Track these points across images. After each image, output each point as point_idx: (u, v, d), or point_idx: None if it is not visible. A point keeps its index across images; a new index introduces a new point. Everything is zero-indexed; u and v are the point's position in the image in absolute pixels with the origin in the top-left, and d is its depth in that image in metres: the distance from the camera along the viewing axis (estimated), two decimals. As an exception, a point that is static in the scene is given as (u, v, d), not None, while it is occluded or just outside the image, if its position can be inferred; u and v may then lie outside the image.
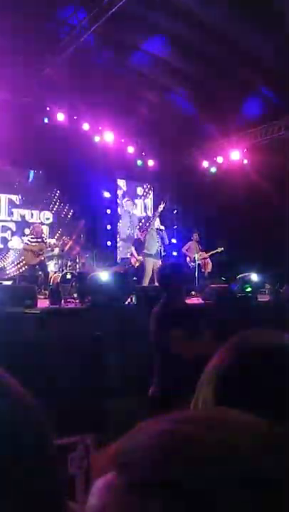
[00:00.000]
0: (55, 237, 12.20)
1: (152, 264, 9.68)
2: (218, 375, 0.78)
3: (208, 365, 0.83)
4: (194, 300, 8.00)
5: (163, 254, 10.48)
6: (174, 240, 12.79)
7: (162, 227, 10.34)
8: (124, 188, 14.98)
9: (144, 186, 15.35)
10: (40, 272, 10.35)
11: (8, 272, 12.13)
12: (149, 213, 15.47)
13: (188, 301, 3.69)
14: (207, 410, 0.41)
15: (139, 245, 11.01)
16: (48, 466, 0.50)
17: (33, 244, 10.36)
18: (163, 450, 0.38)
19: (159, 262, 9.67)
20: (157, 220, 10.50)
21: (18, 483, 0.45)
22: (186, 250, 11.99)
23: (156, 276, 3.51)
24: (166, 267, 3.61)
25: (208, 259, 11.85)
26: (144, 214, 15.32)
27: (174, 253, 13.55)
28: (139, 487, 0.37)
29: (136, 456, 0.40)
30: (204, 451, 0.38)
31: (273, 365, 0.76)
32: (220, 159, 13.35)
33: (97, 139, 12.96)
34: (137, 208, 15.20)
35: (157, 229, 10.18)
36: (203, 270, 11.71)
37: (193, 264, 11.24)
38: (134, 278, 10.53)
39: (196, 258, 11.54)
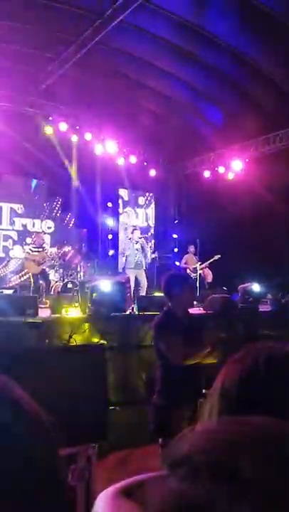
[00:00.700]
0: (57, 247, 12.21)
1: (134, 275, 10.19)
2: (225, 388, 0.78)
3: (220, 375, 0.82)
4: (196, 310, 7.97)
5: (148, 261, 10.91)
6: (177, 263, 13.08)
7: (141, 237, 10.85)
8: (126, 198, 15.03)
9: (146, 196, 15.39)
10: (41, 281, 10.34)
11: (9, 281, 12.12)
12: (150, 223, 15.52)
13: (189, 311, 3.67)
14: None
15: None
16: (57, 478, 0.50)
17: (35, 253, 10.37)
18: (229, 441, 0.39)
19: (142, 272, 10.17)
20: (137, 232, 10.95)
21: (30, 495, 0.45)
22: (185, 263, 12.03)
23: (162, 285, 3.50)
24: (172, 276, 3.60)
25: (208, 270, 11.86)
26: (145, 224, 15.36)
27: (177, 263, 13.56)
28: (208, 473, 0.36)
29: (201, 448, 0.39)
30: (274, 447, 0.38)
31: (286, 376, 0.76)
32: (221, 169, 13.38)
33: (99, 148, 13.03)
34: (138, 217, 15.24)
35: (137, 241, 10.62)
36: (204, 280, 11.73)
37: (194, 274, 11.24)
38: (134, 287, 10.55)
39: (197, 268, 11.56)
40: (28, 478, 0.46)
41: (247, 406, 0.76)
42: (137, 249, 10.45)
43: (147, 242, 14.84)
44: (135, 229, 11.46)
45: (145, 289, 10.18)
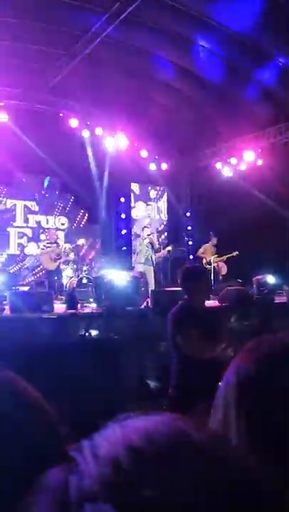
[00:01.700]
0: (70, 243, 12.27)
1: (143, 271, 10.29)
2: (240, 379, 0.77)
3: (230, 367, 0.82)
4: (210, 302, 7.95)
5: (159, 259, 10.99)
6: (191, 256, 13.10)
7: (150, 234, 10.90)
8: (138, 192, 15.02)
9: (157, 189, 15.36)
10: (56, 277, 10.41)
11: (24, 278, 12.23)
12: (163, 216, 15.50)
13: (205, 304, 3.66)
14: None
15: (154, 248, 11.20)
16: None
17: (50, 248, 10.44)
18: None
19: (150, 269, 10.27)
20: (147, 229, 11.03)
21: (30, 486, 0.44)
22: (202, 253, 11.92)
23: (178, 279, 3.49)
24: (189, 269, 3.59)
25: (223, 262, 11.79)
26: (157, 217, 15.34)
27: (191, 256, 13.52)
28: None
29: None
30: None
31: None
32: (234, 160, 13.27)
33: (110, 143, 13.02)
34: (150, 211, 15.23)
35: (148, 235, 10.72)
36: (218, 273, 11.67)
37: (209, 266, 11.18)
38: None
39: (212, 261, 11.49)
40: (32, 470, 0.45)
41: (266, 394, 0.75)
42: (147, 246, 10.50)
43: (160, 236, 14.86)
44: (145, 226, 11.58)
45: (153, 286, 10.19)
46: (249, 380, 0.76)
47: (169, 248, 11.72)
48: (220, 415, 0.77)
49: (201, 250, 12.02)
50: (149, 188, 15.16)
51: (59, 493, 0.35)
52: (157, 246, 10.85)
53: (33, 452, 0.48)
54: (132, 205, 14.82)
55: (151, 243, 10.59)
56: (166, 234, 15.37)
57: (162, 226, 15.41)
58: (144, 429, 0.38)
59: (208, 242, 12.00)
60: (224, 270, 11.82)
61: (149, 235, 10.85)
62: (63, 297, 9.06)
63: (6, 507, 0.44)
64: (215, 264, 11.55)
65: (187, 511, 0.32)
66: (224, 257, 11.57)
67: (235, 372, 0.78)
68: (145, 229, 11.21)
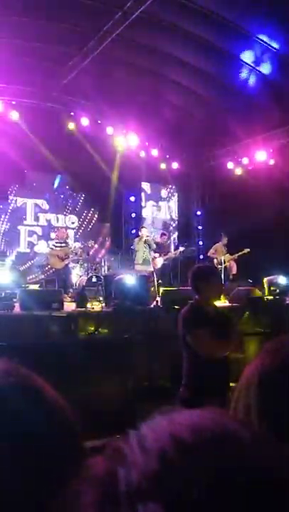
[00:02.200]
0: (80, 241, 12.29)
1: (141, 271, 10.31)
2: (263, 380, 0.76)
3: (250, 368, 0.80)
4: (221, 303, 7.91)
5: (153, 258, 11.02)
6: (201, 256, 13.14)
7: (149, 235, 11.07)
8: (149, 191, 15.00)
9: (168, 188, 15.33)
10: (64, 276, 10.42)
11: (34, 276, 12.27)
12: (174, 215, 15.48)
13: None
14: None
15: (160, 249, 11.27)
16: (80, 466, 0.49)
17: (58, 248, 10.46)
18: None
19: (149, 268, 10.31)
20: (145, 229, 11.10)
21: (50, 485, 0.45)
22: (213, 253, 11.86)
23: (189, 279, 3.47)
24: (200, 269, 3.56)
25: (233, 261, 11.72)
26: (168, 217, 15.31)
27: (202, 256, 13.47)
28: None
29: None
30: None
31: None
32: (245, 160, 13.20)
33: (121, 142, 13.01)
34: (160, 210, 15.21)
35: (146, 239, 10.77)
36: (229, 273, 11.60)
37: (220, 266, 11.13)
38: (160, 281, 10.54)
39: (223, 260, 11.42)
40: (51, 469, 0.46)
41: (263, 402, 0.74)
42: (144, 247, 10.53)
43: (171, 235, 14.85)
44: (143, 226, 11.63)
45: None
46: (273, 380, 0.75)
47: (181, 249, 11.71)
48: (240, 414, 0.76)
49: (212, 251, 11.96)
50: (161, 187, 15.14)
51: (107, 485, 0.34)
52: (154, 246, 10.88)
53: (53, 450, 0.48)
54: (143, 204, 14.81)
55: (148, 244, 10.61)
56: (176, 234, 15.34)
57: (173, 226, 15.38)
58: (190, 423, 0.38)
59: (218, 242, 11.94)
60: (234, 269, 11.75)
61: (148, 236, 10.89)
62: (72, 295, 9.08)
63: (30, 506, 0.44)
64: (227, 264, 11.48)
65: (233, 509, 0.32)
66: (235, 256, 11.49)
67: (258, 372, 0.77)
68: (143, 229, 11.26)
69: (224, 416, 0.40)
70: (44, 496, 0.43)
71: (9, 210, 12.57)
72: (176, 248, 12.39)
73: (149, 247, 10.63)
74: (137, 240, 10.97)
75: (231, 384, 3.15)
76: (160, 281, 10.54)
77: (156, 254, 11.26)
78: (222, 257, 11.43)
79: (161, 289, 8.65)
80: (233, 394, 0.84)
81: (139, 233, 11.16)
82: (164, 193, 15.26)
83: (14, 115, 11.52)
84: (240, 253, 11.39)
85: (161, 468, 0.33)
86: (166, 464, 0.34)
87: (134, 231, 14.32)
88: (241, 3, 8.70)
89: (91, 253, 11.52)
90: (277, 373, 0.75)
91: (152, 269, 10.46)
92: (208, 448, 0.35)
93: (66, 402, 0.54)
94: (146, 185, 14.90)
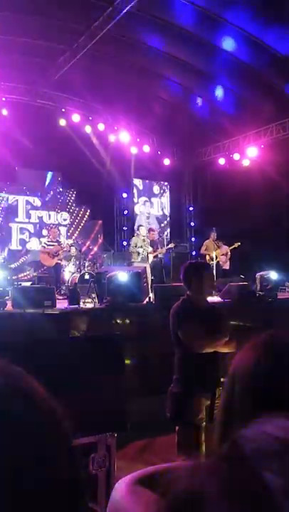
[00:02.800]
0: (72, 238, 12.26)
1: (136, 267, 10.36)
2: (256, 371, 0.77)
3: (236, 363, 0.82)
4: (212, 298, 7.94)
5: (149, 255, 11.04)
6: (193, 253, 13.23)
7: (146, 233, 11.08)
8: (141, 187, 14.99)
9: (161, 184, 15.34)
10: (55, 273, 10.41)
11: (26, 273, 12.24)
12: (166, 212, 15.49)
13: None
14: None
15: (152, 245, 11.32)
16: (70, 466, 0.50)
17: (50, 247, 10.45)
18: None
19: (145, 265, 10.26)
20: (143, 228, 11.16)
21: (41, 482, 0.46)
22: (205, 250, 11.90)
23: (181, 274, 3.49)
24: (191, 265, 3.58)
25: (226, 257, 11.77)
26: (160, 213, 15.32)
27: (194, 252, 13.50)
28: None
29: None
30: None
31: None
32: (236, 156, 13.23)
33: (112, 138, 12.99)
34: (153, 206, 15.21)
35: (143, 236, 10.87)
36: (222, 267, 11.67)
37: (212, 262, 11.17)
38: (152, 277, 10.55)
39: (215, 256, 11.47)
40: (41, 469, 0.46)
41: (258, 395, 0.75)
42: (144, 245, 10.59)
43: (163, 232, 14.87)
44: (140, 225, 11.68)
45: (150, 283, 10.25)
46: (267, 372, 0.77)
47: (171, 245, 11.74)
48: (234, 406, 0.78)
49: (203, 248, 12.00)
50: (153, 183, 15.14)
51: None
52: (149, 244, 10.97)
53: (43, 451, 0.48)
54: (136, 200, 14.80)
55: (146, 241, 10.72)
56: (168, 230, 15.36)
57: (165, 222, 15.39)
58: None
59: (208, 239, 12.00)
60: (227, 265, 11.80)
61: (144, 234, 10.96)
62: (65, 293, 9.06)
63: (20, 507, 0.44)
64: (219, 259, 11.54)
65: None
66: (227, 249, 11.56)
67: (251, 364, 0.78)
68: (141, 228, 11.26)
69: None
70: (32, 497, 0.44)
71: (0, 208, 12.51)
72: (167, 244, 12.44)
73: (147, 245, 10.74)
74: (135, 239, 10.99)
75: (222, 379, 3.18)
76: (153, 277, 10.55)
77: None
78: (214, 253, 11.47)
79: (154, 286, 8.67)
80: (223, 387, 0.85)
81: (137, 231, 11.19)
82: (156, 189, 15.27)
83: (4, 112, 11.45)
84: (231, 247, 11.46)
85: None
86: None
87: (126, 228, 14.32)
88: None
89: (83, 250, 11.51)
90: (252, 371, 0.77)
91: (146, 266, 10.50)
92: None
93: (57, 401, 0.54)
94: (138, 182, 14.89)
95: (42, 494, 0.45)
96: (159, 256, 11.22)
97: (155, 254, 11.09)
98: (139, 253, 10.64)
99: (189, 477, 0.43)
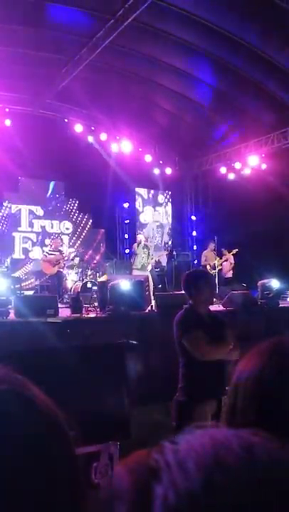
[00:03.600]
0: (75, 247, 12.30)
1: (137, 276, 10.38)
2: (263, 380, 0.77)
3: (239, 371, 0.82)
4: (215, 307, 7.93)
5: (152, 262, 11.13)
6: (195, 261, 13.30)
7: (146, 240, 11.20)
8: (146, 196, 15.07)
9: (165, 194, 15.41)
10: (57, 282, 10.42)
11: (29, 282, 12.26)
12: (170, 220, 15.56)
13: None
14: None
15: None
16: (71, 470, 0.50)
17: (51, 256, 10.49)
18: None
19: (146, 273, 10.34)
20: (142, 236, 11.21)
21: (41, 494, 0.46)
22: (205, 260, 11.94)
23: (182, 283, 3.51)
24: (192, 274, 3.60)
25: (229, 265, 11.79)
26: (166, 221, 15.39)
27: (196, 261, 13.51)
28: None
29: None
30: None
31: None
32: (238, 165, 13.28)
33: (114, 148, 13.06)
34: (159, 215, 15.30)
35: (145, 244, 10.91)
36: (223, 277, 11.69)
37: (214, 271, 11.19)
38: (159, 286, 10.64)
39: (216, 265, 11.49)
40: (41, 476, 0.46)
41: (262, 401, 0.76)
42: (144, 252, 10.63)
43: (167, 241, 14.95)
44: (140, 232, 11.75)
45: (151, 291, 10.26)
46: (273, 381, 0.77)
47: (164, 252, 11.87)
48: (239, 416, 0.78)
49: (203, 259, 12.06)
50: (158, 192, 15.22)
51: (137, 499, 0.33)
52: (152, 251, 11.03)
53: (46, 458, 0.48)
54: (141, 209, 14.88)
55: (147, 248, 10.73)
56: (171, 239, 15.40)
57: (168, 231, 15.45)
58: (234, 445, 0.35)
59: (206, 249, 12.08)
60: (230, 273, 11.82)
61: (145, 240, 11.01)
62: (66, 301, 9.07)
63: (19, 508, 0.44)
64: (220, 267, 11.57)
65: None
66: (227, 255, 11.63)
67: (257, 373, 0.78)
68: (139, 235, 11.36)
69: (258, 437, 0.38)
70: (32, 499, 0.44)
71: (4, 217, 12.57)
72: (165, 249, 12.52)
73: (148, 252, 10.75)
74: (135, 245, 11.03)
75: (227, 387, 3.17)
76: (154, 285, 10.57)
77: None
78: (214, 262, 11.51)
79: (156, 294, 8.67)
80: (228, 395, 0.85)
81: (137, 239, 11.23)
82: (161, 198, 15.34)
83: (7, 122, 11.55)
84: (229, 254, 11.52)
85: (207, 495, 0.32)
86: (213, 490, 0.32)
87: (127, 236, 14.36)
88: (231, 9, 8.79)
89: (85, 259, 11.54)
90: (275, 372, 0.77)
91: (148, 274, 10.51)
92: (258, 477, 0.33)
93: (60, 409, 0.54)
94: (143, 191, 14.96)
95: (42, 496, 0.46)
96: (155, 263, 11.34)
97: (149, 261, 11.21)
98: (137, 259, 10.66)
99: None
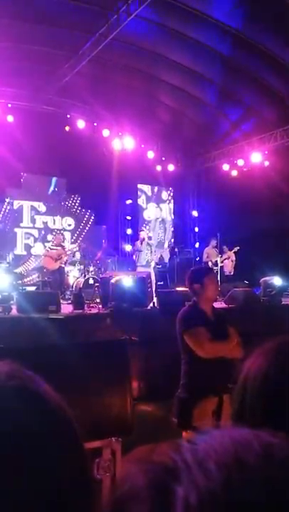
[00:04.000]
0: (77, 243, 12.29)
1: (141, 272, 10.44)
2: (268, 379, 0.77)
3: (246, 370, 0.81)
4: (217, 304, 7.92)
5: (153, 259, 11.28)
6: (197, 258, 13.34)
7: (150, 236, 11.49)
8: (149, 193, 15.05)
9: (169, 190, 15.40)
10: (58, 277, 10.42)
11: (31, 278, 12.27)
12: (173, 217, 15.57)
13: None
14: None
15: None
16: (80, 465, 0.50)
17: (53, 251, 10.49)
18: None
19: (149, 269, 10.42)
20: (145, 233, 11.30)
21: (52, 490, 0.46)
22: (207, 257, 11.95)
23: (186, 280, 3.51)
24: (195, 271, 3.59)
25: (231, 262, 11.81)
26: (169, 218, 15.40)
27: (198, 258, 13.51)
28: None
29: None
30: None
31: None
32: (241, 162, 13.24)
33: (117, 144, 13.03)
34: (162, 212, 15.29)
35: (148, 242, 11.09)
36: (225, 272, 11.74)
37: (216, 268, 11.20)
38: (161, 282, 10.66)
39: (217, 262, 11.51)
40: (52, 472, 0.46)
41: (270, 401, 0.75)
42: (147, 248, 10.70)
43: (170, 237, 14.95)
44: (142, 230, 11.79)
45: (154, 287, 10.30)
46: (279, 380, 0.76)
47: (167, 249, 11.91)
48: (245, 415, 0.77)
49: (204, 256, 12.07)
50: (162, 189, 15.21)
51: (161, 502, 0.33)
52: (154, 247, 11.07)
53: (55, 452, 0.48)
54: (144, 206, 14.87)
55: (150, 245, 10.79)
56: (173, 236, 15.39)
57: (171, 228, 15.45)
58: (256, 446, 0.35)
59: (207, 247, 12.10)
60: (231, 270, 11.84)
61: (148, 237, 11.04)
62: (68, 297, 9.08)
63: (31, 503, 0.44)
64: (222, 264, 11.59)
65: None
66: (229, 253, 11.66)
67: (263, 372, 0.78)
68: (141, 232, 11.37)
69: (282, 438, 0.37)
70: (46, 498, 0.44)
71: (6, 213, 12.57)
72: (168, 247, 12.57)
73: (151, 249, 10.81)
74: (138, 242, 11.05)
75: (229, 385, 3.17)
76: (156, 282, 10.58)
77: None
78: (216, 259, 11.52)
79: (159, 291, 8.67)
80: (232, 394, 0.84)
81: (140, 236, 11.25)
82: (164, 195, 15.33)
83: (10, 118, 11.52)
84: (230, 252, 11.55)
85: (228, 494, 0.32)
86: (234, 489, 0.32)
87: (129, 231, 14.35)
88: (238, 6, 8.74)
89: (87, 255, 11.54)
90: (262, 377, 0.77)
91: (151, 271, 10.53)
92: (279, 476, 0.33)
93: (68, 406, 0.54)
94: (147, 188, 14.95)
95: (54, 491, 0.46)
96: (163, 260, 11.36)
97: (152, 258, 11.26)
98: (142, 255, 10.72)
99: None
